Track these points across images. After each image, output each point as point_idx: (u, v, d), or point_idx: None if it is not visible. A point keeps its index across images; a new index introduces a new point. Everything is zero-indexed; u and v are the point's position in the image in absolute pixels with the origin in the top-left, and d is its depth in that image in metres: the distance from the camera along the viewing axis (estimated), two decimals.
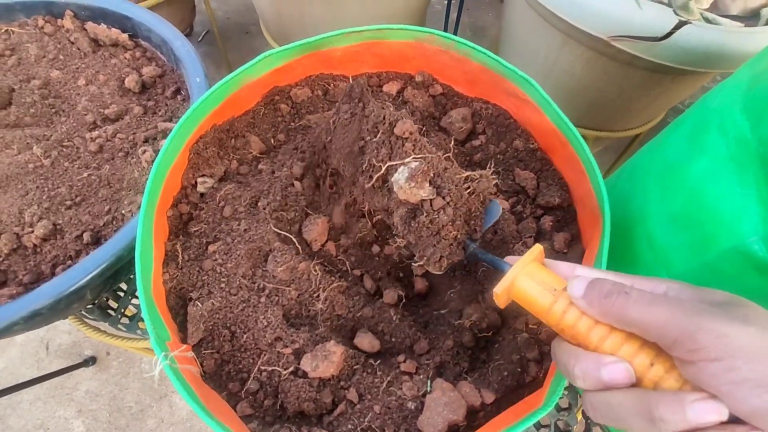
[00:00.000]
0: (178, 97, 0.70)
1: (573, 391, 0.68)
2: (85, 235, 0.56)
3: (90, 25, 0.74)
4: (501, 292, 0.32)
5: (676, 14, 0.68)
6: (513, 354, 0.46)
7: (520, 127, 0.64)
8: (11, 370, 1.11)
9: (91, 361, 1.11)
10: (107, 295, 0.68)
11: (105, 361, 1.13)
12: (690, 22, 0.67)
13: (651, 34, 0.68)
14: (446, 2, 1.49)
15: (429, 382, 0.44)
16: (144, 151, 0.62)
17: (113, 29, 0.74)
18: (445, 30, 1.57)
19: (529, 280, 0.31)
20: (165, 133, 0.65)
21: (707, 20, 0.72)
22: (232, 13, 1.72)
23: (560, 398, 0.69)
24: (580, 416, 0.68)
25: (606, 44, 0.73)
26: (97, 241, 0.56)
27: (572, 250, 0.53)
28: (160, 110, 0.69)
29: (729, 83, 0.49)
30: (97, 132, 0.64)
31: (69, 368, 1.07)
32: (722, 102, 0.48)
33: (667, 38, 0.68)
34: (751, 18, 0.77)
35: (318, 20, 0.91)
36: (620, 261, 0.54)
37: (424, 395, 0.43)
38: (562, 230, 0.55)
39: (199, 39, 1.59)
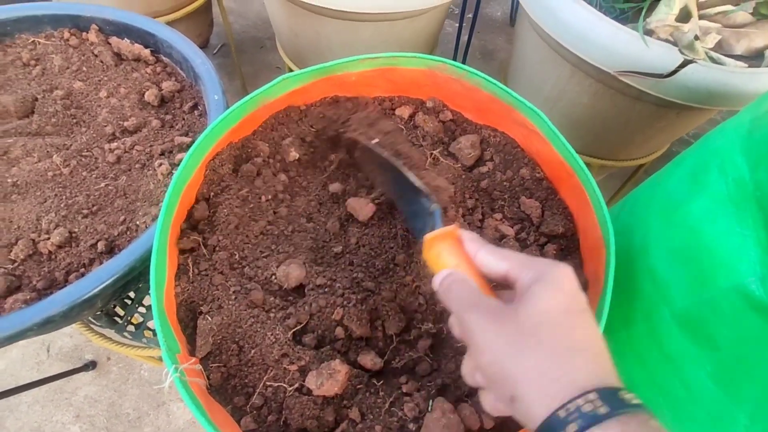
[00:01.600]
0: (195, 112, 0.72)
1: None
2: (99, 244, 0.57)
3: (114, 40, 0.77)
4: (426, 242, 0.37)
5: (682, 53, 0.70)
6: None
7: (527, 156, 0.65)
8: (11, 371, 1.12)
9: (91, 365, 1.12)
10: (115, 303, 0.69)
11: (105, 366, 1.14)
12: (695, 61, 0.69)
13: (657, 70, 0.71)
14: (457, 25, 1.53)
15: (430, 401, 0.45)
16: (160, 164, 0.64)
17: (136, 44, 0.77)
18: (456, 52, 1.60)
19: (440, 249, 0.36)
20: (181, 147, 0.67)
21: (712, 59, 0.74)
22: (248, 27, 1.76)
23: None
24: None
25: (613, 78, 0.75)
26: (110, 250, 0.58)
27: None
28: (177, 124, 0.71)
29: (730, 124, 0.51)
30: (115, 143, 0.66)
31: (69, 372, 1.07)
32: (723, 143, 0.49)
33: (672, 75, 0.70)
34: (755, 58, 0.79)
35: (332, 41, 0.93)
36: (622, 292, 0.55)
37: (424, 415, 0.44)
38: (565, 259, 0.56)
39: (215, 51, 1.63)
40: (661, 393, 0.50)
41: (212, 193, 0.56)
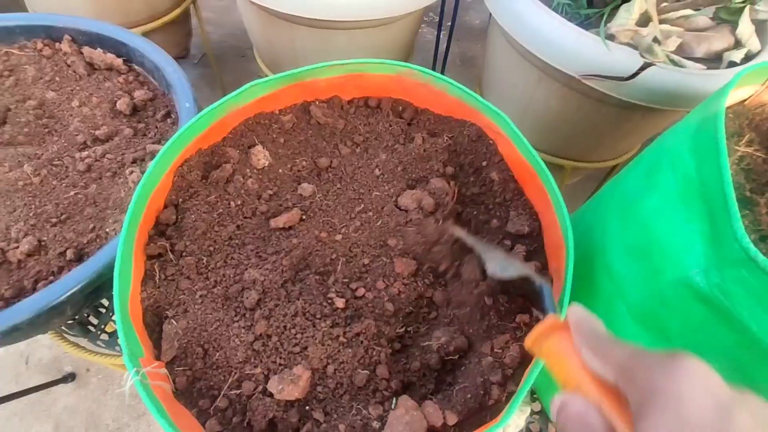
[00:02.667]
0: (168, 120, 0.73)
1: (544, 416, 0.70)
2: (68, 252, 0.57)
3: (87, 50, 0.78)
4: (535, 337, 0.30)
5: (642, 56, 0.72)
6: (477, 377, 0.48)
7: (498, 154, 0.66)
8: None
9: (70, 377, 1.10)
10: (88, 311, 0.69)
11: (84, 377, 1.12)
12: (654, 64, 0.72)
13: (618, 73, 0.73)
14: (436, 33, 1.55)
15: (394, 399, 0.46)
16: (131, 172, 0.64)
17: (109, 54, 0.77)
18: (435, 59, 1.62)
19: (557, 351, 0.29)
20: (153, 155, 0.67)
21: (673, 62, 0.77)
22: (228, 37, 1.77)
23: (531, 423, 0.71)
24: None
25: (578, 82, 0.77)
26: (80, 258, 0.58)
27: (541, 277, 0.56)
28: (149, 132, 0.72)
29: (681, 125, 0.53)
30: (86, 152, 0.67)
31: (48, 384, 1.06)
32: (674, 142, 0.51)
33: (633, 78, 0.72)
34: (715, 60, 0.82)
35: (307, 49, 0.95)
36: (584, 289, 0.57)
37: (388, 413, 0.44)
38: (531, 258, 0.58)
39: (196, 61, 1.64)
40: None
41: (181, 199, 0.57)
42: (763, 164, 0.59)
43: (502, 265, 0.47)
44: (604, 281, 0.52)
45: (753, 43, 0.80)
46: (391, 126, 0.69)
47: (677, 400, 0.19)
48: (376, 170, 0.65)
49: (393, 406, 0.45)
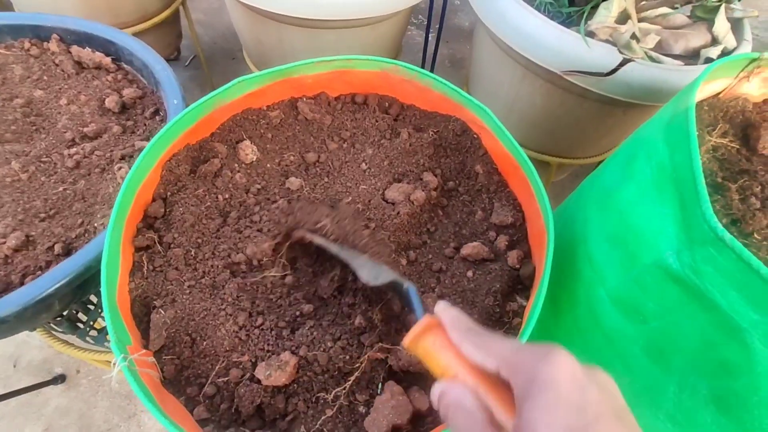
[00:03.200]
0: (157, 117, 0.73)
1: None
2: (56, 246, 0.57)
3: (75, 49, 0.78)
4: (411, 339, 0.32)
5: (621, 53, 0.74)
6: None
7: (482, 147, 0.68)
8: None
9: (60, 379, 1.10)
10: (76, 307, 0.69)
11: (74, 378, 1.12)
12: (633, 60, 0.74)
13: (599, 69, 0.75)
14: (425, 35, 1.57)
15: (380, 384, 0.46)
16: (120, 168, 0.65)
17: (97, 53, 0.78)
18: (424, 61, 1.64)
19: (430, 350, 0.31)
20: (141, 151, 0.68)
21: (651, 58, 0.79)
22: (219, 39, 1.78)
23: None
24: None
25: (560, 78, 0.79)
26: (68, 252, 0.58)
27: (524, 266, 0.57)
28: (138, 130, 0.73)
29: (657, 117, 0.55)
30: (75, 149, 0.67)
31: (38, 385, 1.05)
32: (649, 133, 0.53)
33: (613, 74, 0.74)
34: (692, 57, 0.84)
35: (296, 48, 0.96)
36: (567, 277, 0.58)
37: (374, 398, 0.45)
38: (514, 248, 0.59)
39: (186, 63, 1.64)
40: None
41: (169, 193, 0.58)
42: (737, 154, 0.61)
43: (373, 273, 0.46)
44: (586, 269, 0.54)
45: (729, 40, 0.83)
46: (377, 121, 0.70)
47: (553, 383, 0.23)
48: (363, 165, 0.66)
49: (379, 392, 0.46)
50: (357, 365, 0.47)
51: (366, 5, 0.84)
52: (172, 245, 0.53)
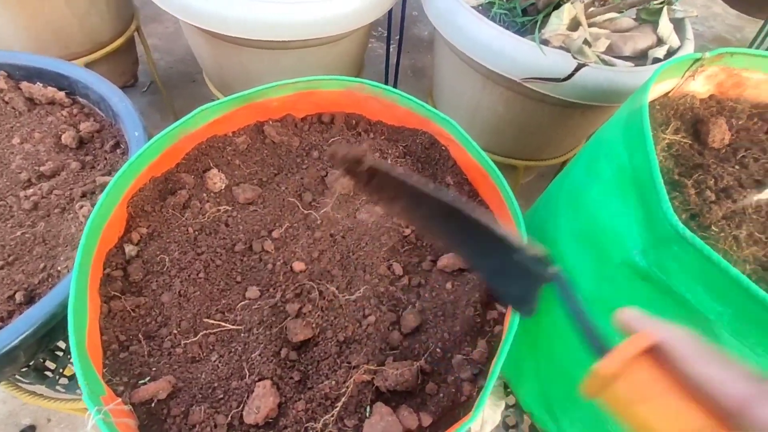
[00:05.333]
0: (117, 150, 0.71)
1: (519, 408, 0.71)
2: (18, 295, 0.55)
3: (25, 85, 0.75)
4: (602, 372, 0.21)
5: (575, 58, 0.77)
6: (449, 375, 0.49)
7: (451, 158, 0.69)
8: None
9: (29, 430, 1.04)
10: (43, 356, 0.66)
11: (46, 428, 1.06)
12: (587, 65, 0.77)
13: (555, 75, 0.77)
14: (386, 47, 1.59)
15: (368, 407, 0.46)
16: (81, 206, 0.62)
17: (49, 88, 0.75)
18: (387, 73, 1.66)
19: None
20: (103, 187, 0.65)
21: (604, 62, 0.82)
22: (177, 63, 1.75)
23: (507, 417, 0.73)
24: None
25: (519, 85, 0.81)
26: (31, 300, 0.55)
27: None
28: (98, 164, 0.70)
29: (614, 118, 0.57)
30: (31, 190, 0.64)
31: None
32: (609, 135, 0.55)
33: (569, 79, 0.77)
34: (641, 58, 0.88)
35: (258, 70, 0.95)
36: None
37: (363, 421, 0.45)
38: None
39: (144, 89, 1.60)
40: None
41: (137, 230, 0.56)
42: (690, 149, 0.64)
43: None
44: None
45: (673, 39, 0.87)
46: (346, 139, 0.70)
47: None
48: (337, 186, 0.66)
49: (368, 415, 0.45)
50: (343, 390, 0.46)
51: (324, 25, 0.84)
52: (143, 284, 0.51)
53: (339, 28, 0.86)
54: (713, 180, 0.56)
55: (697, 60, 0.63)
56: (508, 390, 0.71)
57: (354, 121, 0.73)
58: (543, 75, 0.78)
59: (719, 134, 0.63)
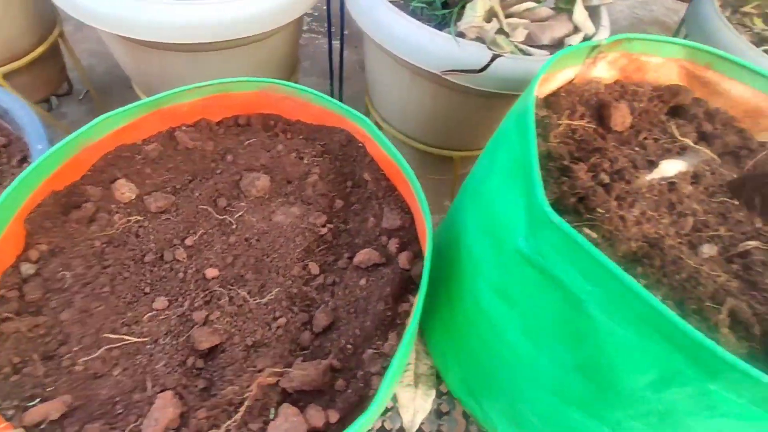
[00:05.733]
0: (25, 165, 0.69)
1: (450, 396, 0.73)
2: None
3: None
4: None
5: (490, 49, 0.78)
6: (358, 371, 0.50)
7: (368, 155, 0.69)
8: None
9: None
10: None
11: None
12: (502, 55, 0.78)
13: (472, 66, 0.78)
14: (328, 42, 1.57)
15: (273, 409, 0.46)
16: None
17: None
18: (331, 68, 1.65)
19: None
20: None
21: (522, 51, 0.84)
22: (114, 68, 1.68)
23: (441, 404, 0.74)
24: (460, 418, 0.73)
25: (441, 78, 0.82)
26: None
27: (415, 266, 0.59)
28: (5, 181, 0.68)
29: (513, 109, 0.58)
30: None
31: None
32: (506, 125, 0.56)
33: (485, 69, 0.78)
34: (559, 46, 0.90)
35: (181, 74, 0.93)
36: (455, 272, 0.60)
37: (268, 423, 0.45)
38: (406, 249, 0.61)
39: (81, 97, 1.55)
40: (495, 357, 0.55)
41: (36, 247, 0.54)
42: (594, 134, 0.66)
43: None
44: (467, 262, 0.56)
45: (588, 27, 0.90)
46: (262, 141, 0.70)
47: None
48: (252, 189, 0.65)
49: (272, 417, 0.46)
50: (247, 394, 0.46)
51: (243, 25, 0.83)
52: (43, 302, 0.50)
53: (259, 27, 0.85)
54: (609, 162, 0.59)
55: (595, 47, 0.65)
56: (440, 378, 0.73)
57: (272, 122, 0.72)
58: (460, 67, 0.79)
59: (620, 118, 0.65)
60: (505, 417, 0.61)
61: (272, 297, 0.56)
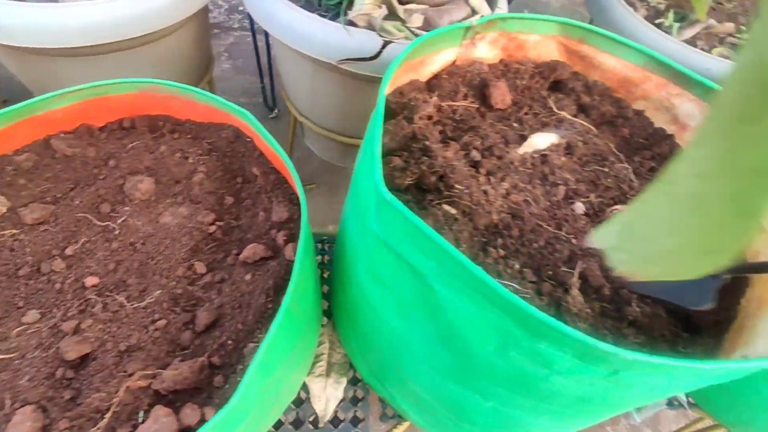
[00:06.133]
0: None
1: (363, 383, 0.74)
2: None
3: None
4: None
5: (380, 36, 0.79)
6: (239, 365, 0.50)
7: (257, 149, 0.68)
8: None
9: None
10: None
11: None
12: (393, 41, 0.79)
13: (366, 54, 0.79)
14: (252, 39, 1.54)
15: (143, 412, 0.46)
16: None
17: None
18: (259, 64, 1.62)
19: None
20: None
21: (416, 36, 0.85)
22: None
23: (356, 390, 0.75)
24: (375, 403, 0.74)
25: (340, 68, 0.82)
26: None
27: None
28: None
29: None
30: None
31: None
32: (376, 109, 0.57)
33: (377, 57, 0.78)
34: None
35: (75, 80, 0.89)
36: (341, 261, 0.61)
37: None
38: (291, 241, 0.61)
39: None
40: (381, 339, 0.56)
41: None
42: (476, 112, 0.67)
43: None
44: (349, 247, 0.57)
45: (484, 8, 0.92)
46: (146, 143, 0.68)
47: None
48: (136, 193, 0.64)
49: (140, 420, 0.45)
50: (114, 399, 0.46)
51: (126, 26, 0.81)
52: None
53: (141, 28, 0.82)
54: (480, 140, 0.60)
55: (469, 28, 0.67)
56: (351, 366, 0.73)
57: (160, 123, 0.71)
58: (354, 56, 0.79)
59: (500, 96, 0.67)
60: (406, 398, 0.62)
61: (152, 300, 0.55)
